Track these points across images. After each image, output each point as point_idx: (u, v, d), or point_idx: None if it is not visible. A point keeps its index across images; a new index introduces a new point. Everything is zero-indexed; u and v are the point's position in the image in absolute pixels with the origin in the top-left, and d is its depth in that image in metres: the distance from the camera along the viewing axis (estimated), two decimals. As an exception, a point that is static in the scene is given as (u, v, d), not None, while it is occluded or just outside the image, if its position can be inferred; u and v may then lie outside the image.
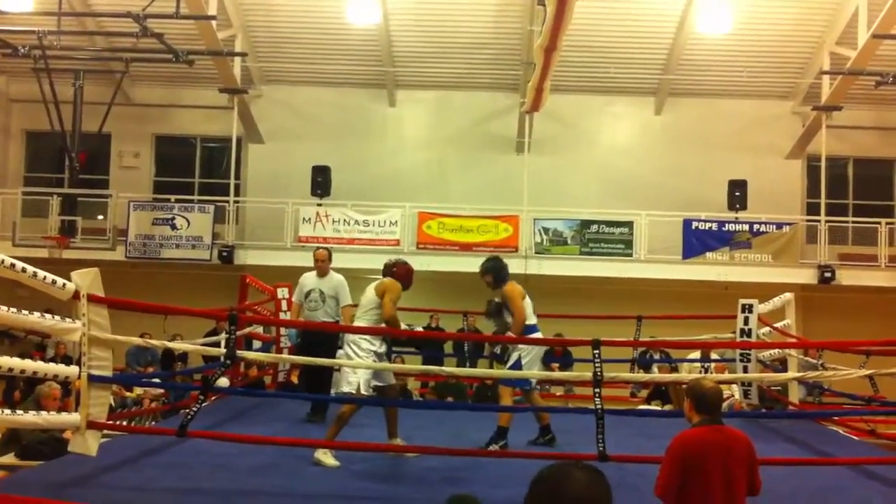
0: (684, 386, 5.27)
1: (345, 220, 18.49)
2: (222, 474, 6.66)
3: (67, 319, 6.43)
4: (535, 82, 15.20)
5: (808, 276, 18.03)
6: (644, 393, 13.78)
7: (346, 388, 7.34)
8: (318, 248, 10.29)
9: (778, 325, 10.89)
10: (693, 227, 18.21)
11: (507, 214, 18.54)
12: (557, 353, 14.76)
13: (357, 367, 7.23)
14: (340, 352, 8.44)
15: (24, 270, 5.94)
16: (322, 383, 9.57)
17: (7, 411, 6.89)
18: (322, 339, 9.07)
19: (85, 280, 6.23)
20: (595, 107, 20.71)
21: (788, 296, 11.21)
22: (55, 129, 17.93)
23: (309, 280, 9.66)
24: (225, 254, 18.28)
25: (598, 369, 6.68)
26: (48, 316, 6.39)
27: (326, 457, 7.04)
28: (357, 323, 7.55)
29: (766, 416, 10.59)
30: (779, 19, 18.67)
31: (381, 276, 7.79)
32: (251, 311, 11.08)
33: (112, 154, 21.28)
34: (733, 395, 11.06)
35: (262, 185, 20.46)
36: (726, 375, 10.81)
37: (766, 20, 18.61)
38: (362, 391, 7.22)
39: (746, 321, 10.28)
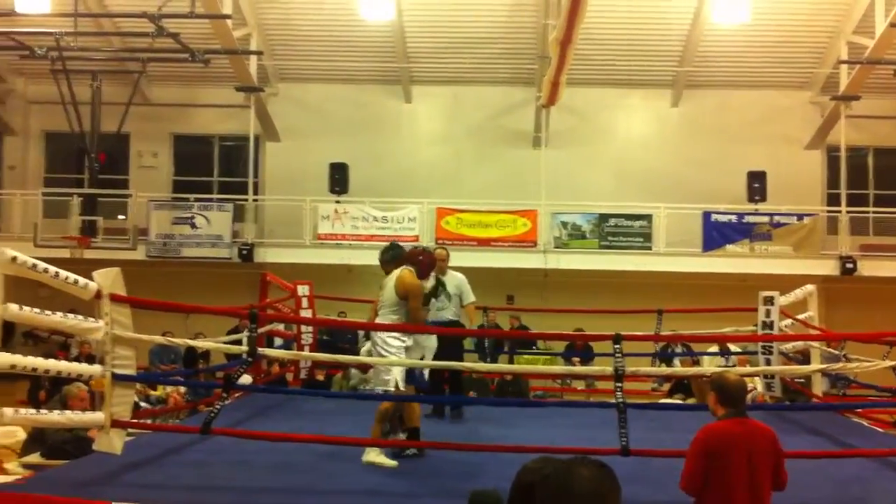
0: (705, 379, 5.25)
1: (363, 217, 18.52)
2: (245, 472, 6.68)
3: (90, 319, 6.45)
4: (550, 76, 15.14)
5: (829, 268, 17.90)
6: (666, 387, 13.73)
7: (380, 387, 7.21)
8: (438, 247, 10.21)
9: (800, 317, 10.82)
10: (712, 220, 18.12)
11: (525, 209, 18.52)
12: (578, 348, 14.76)
13: (382, 363, 7.20)
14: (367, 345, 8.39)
15: (46, 271, 5.99)
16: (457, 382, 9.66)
17: (32, 411, 6.95)
18: (449, 339, 8.91)
19: (107, 279, 6.26)
20: (611, 100, 20.65)
21: (810, 287, 11.14)
22: (74, 129, 17.99)
23: (430, 280, 9.51)
24: (245, 252, 18.35)
25: (619, 363, 6.67)
26: (71, 316, 6.43)
27: (381, 457, 6.94)
28: (379, 320, 7.46)
29: (790, 408, 10.53)
30: (795, 9, 18.56)
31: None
32: (272, 309, 11.11)
33: (131, 154, 21.40)
34: (756, 388, 11.00)
35: (280, 182, 20.52)
36: (749, 368, 10.75)
37: (782, 10, 18.49)
38: (400, 388, 7.14)
39: (768, 313, 10.22)
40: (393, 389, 7.11)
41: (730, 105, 20.32)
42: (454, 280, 9.39)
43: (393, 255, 7.71)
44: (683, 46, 19.42)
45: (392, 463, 6.92)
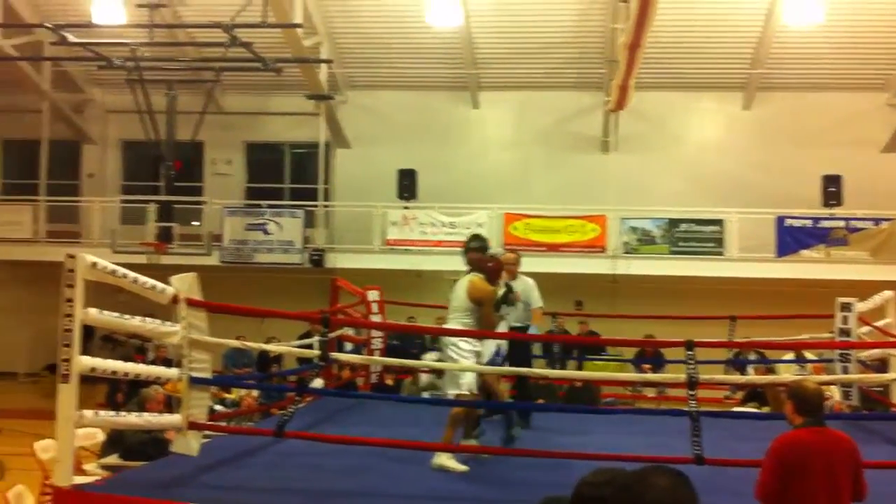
0: (782, 388, 5.16)
1: (431, 223, 18.60)
2: (317, 474, 6.74)
3: (167, 323, 6.59)
4: (619, 80, 15.05)
5: (908, 273, 17.43)
6: (740, 395, 13.50)
7: (454, 391, 7.21)
8: (508, 251, 10.22)
9: (878, 323, 10.56)
10: (786, 225, 17.80)
11: (593, 214, 18.41)
12: (648, 354, 14.59)
13: (452, 368, 7.23)
14: (431, 354, 8.41)
15: (125, 276, 6.13)
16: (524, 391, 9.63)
17: (112, 413, 7.11)
18: (516, 345, 9.01)
19: (184, 284, 6.39)
20: (682, 103, 20.43)
21: (889, 294, 10.84)
22: (150, 138, 18.34)
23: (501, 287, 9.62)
24: (316, 257, 18.56)
25: (692, 370, 6.57)
26: (149, 320, 6.58)
27: (451, 462, 6.93)
28: (450, 325, 7.49)
29: (868, 417, 10.27)
30: (870, 9, 18.15)
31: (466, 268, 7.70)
32: (342, 314, 11.20)
33: (205, 161, 21.86)
34: (833, 397, 10.76)
35: (350, 189, 20.74)
36: (826, 377, 10.52)
37: (856, 10, 18.11)
38: (473, 392, 7.19)
39: (845, 320, 9.98)
40: (467, 393, 7.14)
41: (804, 108, 19.92)
42: (521, 285, 9.31)
43: (479, 245, 7.82)
44: (755, 48, 19.14)
45: (462, 468, 6.92)
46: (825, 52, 18.93)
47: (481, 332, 7.40)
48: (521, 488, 6.47)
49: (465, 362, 7.21)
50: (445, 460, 6.94)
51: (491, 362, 7.90)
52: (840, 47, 18.77)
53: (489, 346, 8.03)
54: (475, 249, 7.75)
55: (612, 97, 16.46)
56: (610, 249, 18.21)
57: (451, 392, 7.23)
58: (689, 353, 6.63)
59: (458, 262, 8.08)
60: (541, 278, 9.82)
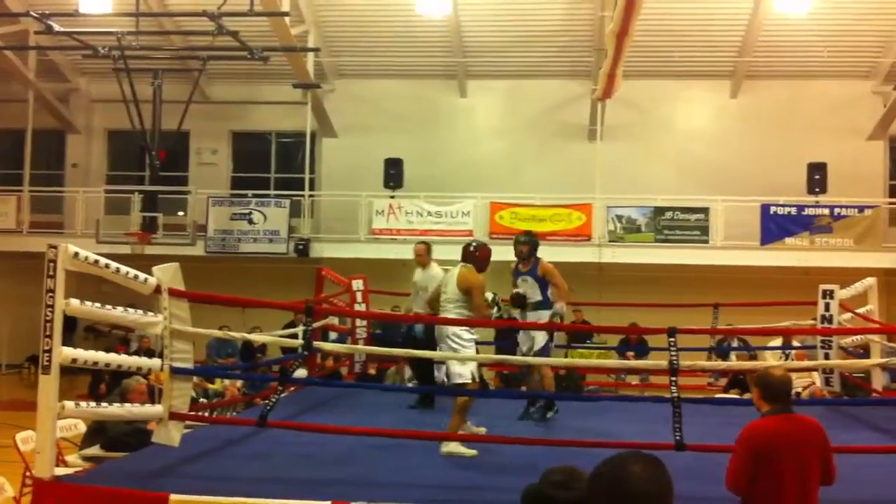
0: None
1: (417, 212, 18.61)
2: (301, 463, 6.76)
3: (150, 313, 6.58)
4: (607, 69, 15.03)
5: (891, 261, 17.53)
6: (723, 381, 13.58)
7: (460, 380, 7.29)
8: (420, 242, 10.51)
9: (860, 310, 10.63)
10: (771, 212, 17.88)
11: (579, 203, 18.44)
12: (632, 342, 14.64)
13: (444, 357, 7.31)
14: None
15: (107, 266, 6.11)
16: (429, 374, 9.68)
17: (93, 404, 7.10)
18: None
19: (166, 274, 6.37)
20: (669, 92, 20.46)
21: (871, 281, 10.93)
22: (136, 127, 18.28)
23: (416, 274, 9.96)
24: (301, 247, 18.55)
25: (674, 357, 6.61)
26: (131, 310, 6.56)
27: (460, 447, 7.06)
28: (446, 315, 7.53)
29: (849, 403, 10.35)
30: (858, -2, 18.19)
31: (458, 262, 7.74)
32: (327, 303, 11.20)
33: (191, 151, 21.80)
34: (814, 383, 10.84)
35: (336, 178, 20.70)
36: (806, 363, 10.59)
37: (844, -1, 18.15)
38: (476, 379, 7.33)
39: (827, 307, 10.05)
40: (470, 382, 7.24)
41: (790, 96, 20.00)
42: (430, 273, 9.66)
43: (527, 241, 8.87)
44: (743, 37, 19.17)
45: (471, 452, 7.04)
46: (812, 40, 18.96)
47: (470, 320, 7.49)
48: (508, 475, 6.48)
49: (467, 352, 7.34)
50: (454, 447, 7.05)
51: (541, 352, 8.36)
52: (826, 36, 18.79)
53: (539, 339, 8.43)
54: (524, 244, 8.72)
55: (598, 86, 16.44)
56: (595, 238, 18.25)
57: (458, 381, 7.31)
58: (671, 339, 6.66)
59: (444, 252, 8.13)
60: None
